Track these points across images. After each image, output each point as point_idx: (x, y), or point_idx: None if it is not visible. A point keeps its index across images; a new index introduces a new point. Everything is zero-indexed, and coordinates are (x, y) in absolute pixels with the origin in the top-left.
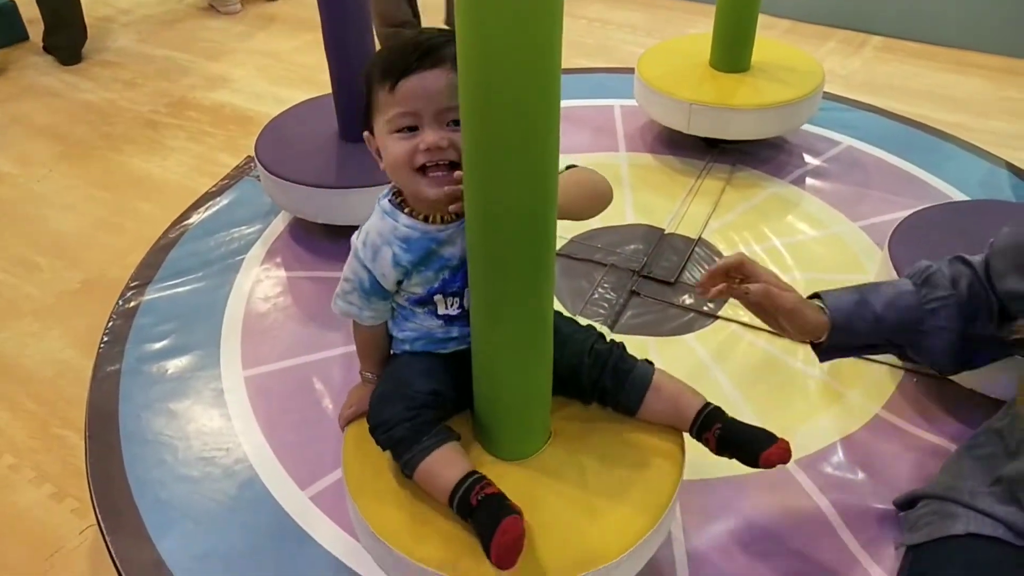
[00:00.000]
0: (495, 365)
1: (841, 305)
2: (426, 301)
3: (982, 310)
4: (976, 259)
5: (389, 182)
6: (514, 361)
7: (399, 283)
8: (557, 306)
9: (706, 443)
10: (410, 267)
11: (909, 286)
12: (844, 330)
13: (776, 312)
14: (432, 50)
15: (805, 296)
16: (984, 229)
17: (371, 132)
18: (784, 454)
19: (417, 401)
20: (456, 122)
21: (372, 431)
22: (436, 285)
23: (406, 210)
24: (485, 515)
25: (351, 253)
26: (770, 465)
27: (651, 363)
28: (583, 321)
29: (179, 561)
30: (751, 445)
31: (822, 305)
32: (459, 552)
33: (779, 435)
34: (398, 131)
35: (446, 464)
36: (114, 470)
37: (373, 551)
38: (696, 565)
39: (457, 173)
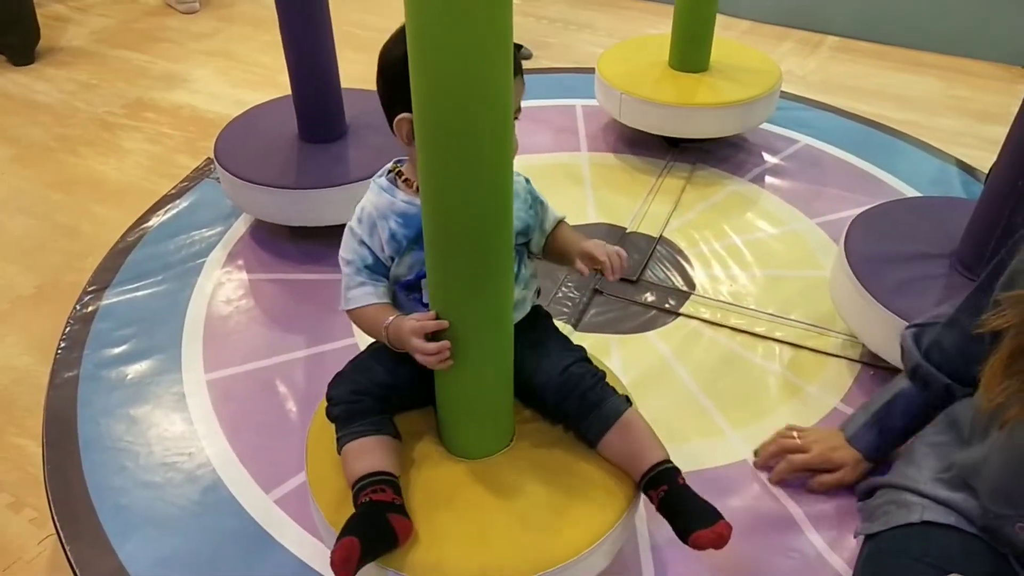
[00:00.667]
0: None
1: (870, 445)
2: (413, 286)
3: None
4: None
5: (347, 182)
6: (471, 356)
7: (391, 261)
8: (558, 324)
9: (649, 499)
10: (405, 243)
11: (914, 392)
12: (879, 461)
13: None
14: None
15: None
16: (934, 225)
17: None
18: (717, 540)
19: (363, 388)
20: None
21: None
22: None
23: (404, 187)
24: (355, 520)
25: (346, 237)
26: (699, 547)
27: (628, 400)
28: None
29: (140, 567)
30: (688, 520)
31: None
32: (422, 553)
33: (739, 429)
34: None
35: (363, 455)
36: (73, 477)
37: None
38: (661, 561)
39: None
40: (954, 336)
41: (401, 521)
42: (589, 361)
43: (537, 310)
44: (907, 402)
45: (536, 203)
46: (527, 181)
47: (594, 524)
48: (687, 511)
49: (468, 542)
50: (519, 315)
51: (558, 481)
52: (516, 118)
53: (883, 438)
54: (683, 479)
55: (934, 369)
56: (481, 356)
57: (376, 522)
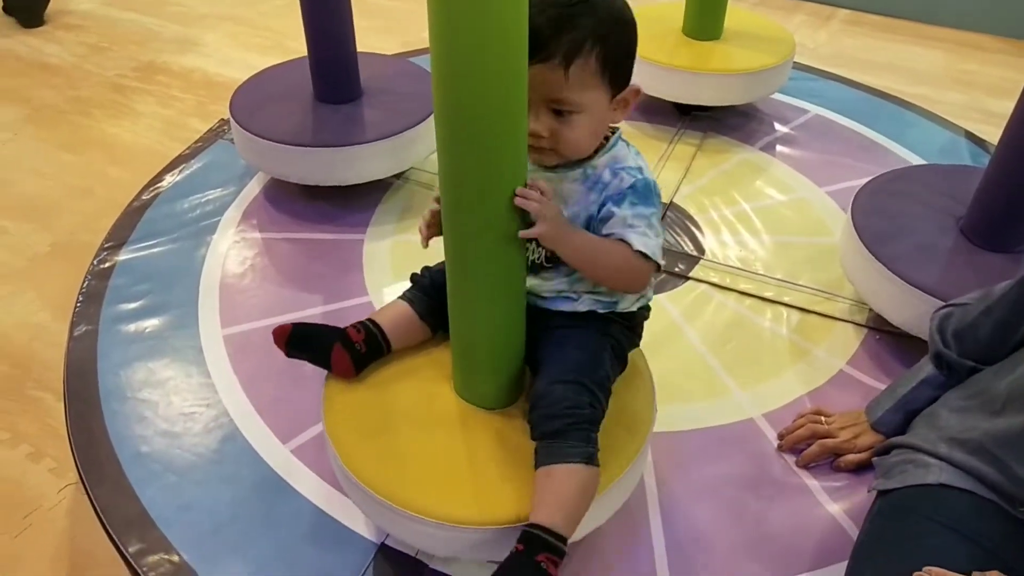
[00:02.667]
0: (466, 310)
1: (895, 431)
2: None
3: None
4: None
5: (362, 141)
6: (483, 309)
7: None
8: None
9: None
10: None
11: (939, 378)
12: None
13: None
14: (543, 44)
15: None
16: (942, 191)
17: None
18: None
19: (428, 273)
20: (560, 111)
21: None
22: None
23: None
24: (312, 327)
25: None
26: None
27: (588, 458)
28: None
29: (162, 512)
30: None
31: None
32: (439, 496)
33: (746, 389)
34: None
35: (383, 309)
36: (94, 425)
37: (357, 498)
38: (669, 512)
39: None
40: (990, 326)
41: (342, 358)
42: (590, 392)
43: (593, 316)
44: (932, 388)
45: (614, 203)
46: (640, 177)
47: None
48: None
49: (463, 486)
50: (564, 306)
51: None
52: None
53: (908, 423)
54: (543, 557)
55: (956, 356)
56: (493, 310)
57: (324, 342)
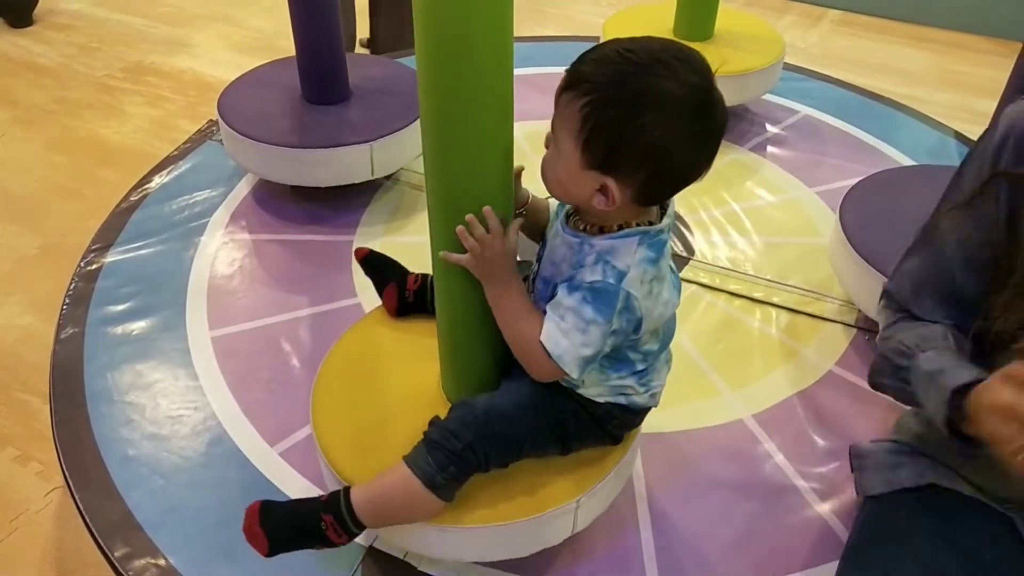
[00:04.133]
0: (452, 311)
1: None
2: None
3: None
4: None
5: (350, 143)
6: (468, 312)
7: None
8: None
9: None
10: None
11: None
12: None
13: None
14: (558, 94)
15: None
16: (927, 193)
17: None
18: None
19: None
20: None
21: None
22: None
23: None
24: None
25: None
26: None
27: (428, 479)
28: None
29: (148, 515)
30: None
31: None
32: None
33: (736, 390)
34: None
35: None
36: (80, 428)
37: None
38: (658, 513)
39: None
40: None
41: (391, 296)
42: (477, 438)
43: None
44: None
45: (568, 285)
46: (610, 282)
47: (586, 476)
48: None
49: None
50: None
51: None
52: None
53: None
54: (330, 520)
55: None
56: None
57: (386, 276)
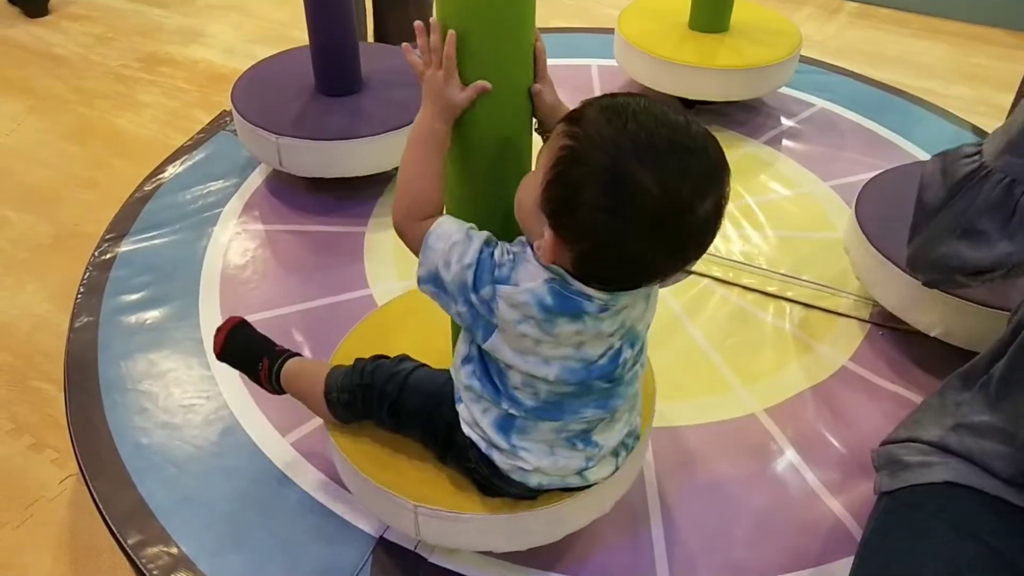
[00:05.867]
0: None
1: None
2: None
3: None
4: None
5: (363, 135)
6: None
7: None
8: None
9: None
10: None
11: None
12: None
13: None
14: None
15: None
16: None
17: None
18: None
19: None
20: None
21: None
22: None
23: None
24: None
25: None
26: None
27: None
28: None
29: (161, 504)
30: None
31: None
32: (439, 485)
33: (748, 385)
34: None
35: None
36: (94, 416)
37: (356, 488)
38: (669, 508)
39: None
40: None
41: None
42: (379, 366)
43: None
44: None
45: None
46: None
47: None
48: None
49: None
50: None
51: None
52: None
53: None
54: (266, 364)
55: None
56: None
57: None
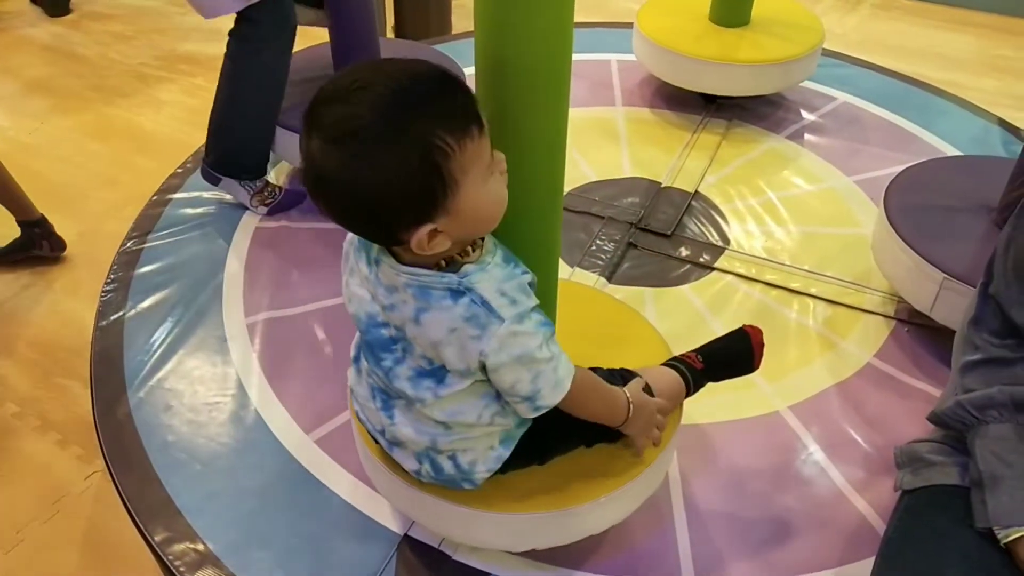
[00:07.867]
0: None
1: None
2: None
3: None
4: None
5: None
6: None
7: None
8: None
9: None
10: None
11: None
12: None
13: None
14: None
15: None
16: (977, 184)
17: (437, 216)
18: None
19: None
20: None
21: None
22: None
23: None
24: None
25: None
26: None
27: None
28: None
29: (188, 500)
30: None
31: None
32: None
33: (772, 382)
34: (502, 172)
35: None
36: (120, 414)
37: (382, 485)
38: (694, 505)
39: None
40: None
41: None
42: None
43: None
44: None
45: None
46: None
47: (626, 469)
48: None
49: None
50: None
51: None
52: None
53: None
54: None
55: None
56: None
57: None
